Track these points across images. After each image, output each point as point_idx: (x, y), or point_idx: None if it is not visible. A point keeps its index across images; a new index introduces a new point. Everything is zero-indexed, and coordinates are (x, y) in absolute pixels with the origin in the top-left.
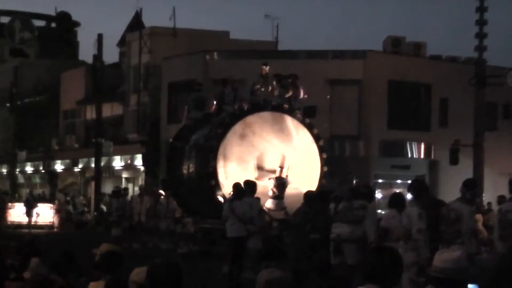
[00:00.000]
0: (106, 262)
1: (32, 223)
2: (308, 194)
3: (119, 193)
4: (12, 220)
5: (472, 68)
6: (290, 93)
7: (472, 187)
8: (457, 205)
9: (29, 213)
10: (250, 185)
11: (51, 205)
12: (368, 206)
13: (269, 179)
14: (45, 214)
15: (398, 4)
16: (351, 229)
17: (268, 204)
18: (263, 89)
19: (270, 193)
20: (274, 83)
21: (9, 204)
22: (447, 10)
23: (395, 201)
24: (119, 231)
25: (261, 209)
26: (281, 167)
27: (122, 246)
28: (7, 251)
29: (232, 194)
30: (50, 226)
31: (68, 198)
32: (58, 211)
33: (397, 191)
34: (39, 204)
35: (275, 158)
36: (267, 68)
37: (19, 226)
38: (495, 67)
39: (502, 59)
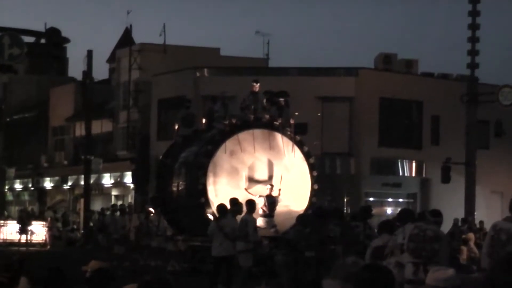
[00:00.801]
0: (96, 279)
1: (30, 240)
2: (303, 215)
3: (124, 210)
4: (4, 238)
5: (464, 85)
6: (280, 121)
7: None
8: (507, 225)
9: (23, 231)
10: (251, 204)
11: (43, 223)
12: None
13: (260, 196)
14: (37, 231)
15: (390, 21)
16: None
17: (259, 222)
18: (253, 106)
19: (260, 211)
20: (265, 101)
21: (1, 221)
22: (439, 27)
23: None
24: (122, 249)
25: (256, 227)
26: (272, 185)
27: (124, 264)
28: None
29: (218, 214)
30: (43, 244)
31: (58, 216)
32: (50, 229)
33: (388, 210)
34: (31, 222)
35: (265, 172)
36: (257, 85)
37: (11, 244)
38: (487, 84)
39: (494, 77)
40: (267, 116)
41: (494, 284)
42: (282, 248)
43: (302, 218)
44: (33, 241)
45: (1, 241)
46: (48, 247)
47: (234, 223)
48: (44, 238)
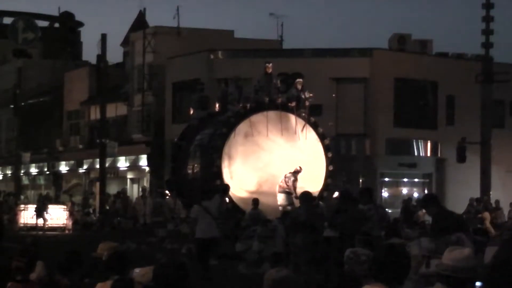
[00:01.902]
0: (113, 262)
1: (45, 225)
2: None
3: (162, 194)
4: (25, 222)
5: (479, 65)
6: (294, 103)
7: None
8: None
9: (40, 215)
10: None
11: (64, 207)
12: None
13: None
14: (57, 216)
15: (404, 1)
16: None
17: (278, 198)
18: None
19: (277, 188)
20: (279, 82)
21: (22, 206)
22: (453, 7)
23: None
24: (164, 232)
25: (220, 206)
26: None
27: (165, 247)
28: (13, 254)
29: (202, 195)
30: (63, 228)
31: (74, 199)
32: (71, 213)
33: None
34: (50, 206)
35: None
36: (270, 66)
37: (32, 228)
38: (502, 64)
39: (509, 56)
40: (281, 98)
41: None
42: (299, 229)
43: (306, 196)
44: (54, 225)
45: (22, 225)
46: (68, 231)
47: (218, 206)
48: (64, 222)
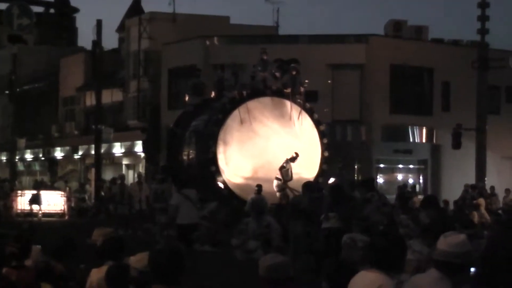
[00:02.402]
0: (108, 248)
1: (41, 211)
2: (309, 183)
3: (163, 179)
4: (22, 208)
5: (475, 51)
6: (290, 89)
7: None
8: None
9: (34, 201)
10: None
11: (62, 193)
12: None
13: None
14: (55, 202)
15: None
16: None
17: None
18: (263, 74)
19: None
20: (274, 69)
21: (19, 192)
22: None
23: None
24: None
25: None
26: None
27: (136, 233)
28: (7, 239)
29: (180, 184)
30: (61, 214)
31: (70, 185)
32: (68, 199)
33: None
34: (47, 192)
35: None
36: (266, 52)
37: (29, 214)
38: (497, 50)
39: (504, 42)
40: (277, 84)
41: (499, 245)
42: (299, 217)
43: (309, 186)
44: (51, 211)
45: (19, 211)
46: (66, 217)
47: (197, 194)
48: (62, 208)
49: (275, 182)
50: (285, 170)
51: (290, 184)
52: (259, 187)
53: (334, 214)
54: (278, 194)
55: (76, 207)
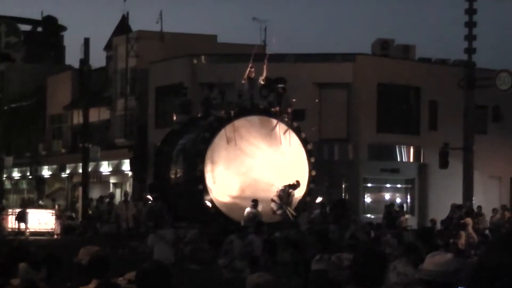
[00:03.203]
0: (94, 266)
1: (28, 229)
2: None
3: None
4: (12, 227)
5: (462, 70)
6: (277, 108)
7: None
8: None
9: (21, 219)
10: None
11: (52, 212)
12: None
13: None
14: (46, 220)
15: (387, 6)
16: None
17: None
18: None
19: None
20: (260, 88)
21: (10, 210)
22: (436, 12)
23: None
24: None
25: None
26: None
27: (123, 251)
28: None
29: (155, 226)
30: (51, 233)
31: (56, 204)
32: (58, 217)
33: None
34: (39, 210)
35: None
36: (253, 70)
37: (21, 233)
38: (484, 69)
39: (491, 62)
40: (264, 103)
41: (487, 265)
42: (287, 248)
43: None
44: (42, 230)
45: (10, 230)
46: (56, 236)
47: (173, 234)
48: (53, 227)
49: (272, 204)
50: (285, 194)
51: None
52: (255, 202)
53: (327, 256)
54: (278, 212)
55: (65, 225)
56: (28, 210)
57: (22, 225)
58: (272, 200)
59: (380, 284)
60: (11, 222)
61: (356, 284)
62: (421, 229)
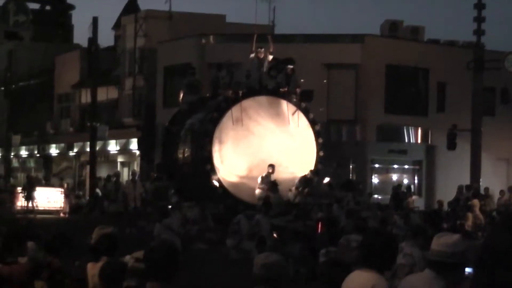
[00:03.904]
0: (102, 245)
1: (36, 207)
2: None
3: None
4: (21, 205)
5: (470, 52)
6: (286, 88)
7: None
8: None
9: (28, 197)
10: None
11: (61, 190)
12: None
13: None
14: (55, 199)
15: None
16: None
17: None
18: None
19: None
20: (269, 68)
21: (19, 188)
22: None
23: None
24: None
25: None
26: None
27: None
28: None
29: (160, 215)
30: (60, 212)
31: (64, 182)
32: (67, 196)
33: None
34: (48, 189)
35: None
36: (262, 51)
37: (30, 211)
38: (493, 51)
39: (500, 44)
40: (273, 83)
41: (493, 246)
42: (296, 241)
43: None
44: (51, 208)
45: (19, 208)
46: (64, 214)
47: (178, 222)
48: (62, 205)
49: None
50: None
51: (285, 183)
52: (275, 185)
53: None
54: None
55: (72, 204)
56: (36, 188)
57: (29, 204)
58: (290, 190)
59: (389, 267)
60: (21, 201)
61: (365, 266)
62: (429, 212)
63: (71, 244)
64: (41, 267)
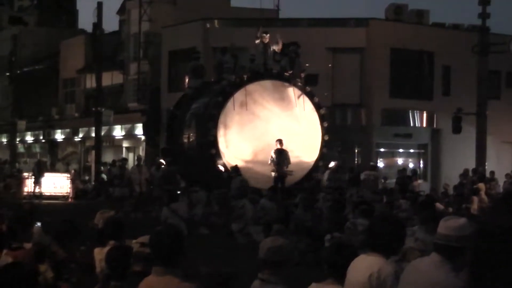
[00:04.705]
0: (109, 229)
1: (42, 193)
2: None
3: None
4: (28, 190)
5: (475, 35)
6: (290, 72)
7: None
8: None
9: (37, 182)
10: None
11: (67, 175)
12: None
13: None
14: (61, 184)
15: None
16: None
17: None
18: (263, 57)
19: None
20: (274, 53)
21: (26, 174)
22: None
23: None
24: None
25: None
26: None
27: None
28: (7, 220)
29: (169, 199)
30: (66, 197)
31: (71, 167)
32: (73, 182)
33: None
34: (55, 174)
35: (277, 130)
36: (267, 36)
37: (36, 196)
38: (498, 34)
39: (505, 27)
40: (277, 67)
41: (487, 229)
42: (301, 235)
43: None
44: (57, 194)
45: (25, 193)
46: (71, 200)
47: (185, 207)
48: (68, 191)
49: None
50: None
51: (290, 167)
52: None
53: (338, 234)
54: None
55: (78, 189)
56: (44, 174)
57: (37, 189)
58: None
59: (395, 251)
60: (27, 186)
61: (371, 250)
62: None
63: (78, 231)
64: (47, 253)
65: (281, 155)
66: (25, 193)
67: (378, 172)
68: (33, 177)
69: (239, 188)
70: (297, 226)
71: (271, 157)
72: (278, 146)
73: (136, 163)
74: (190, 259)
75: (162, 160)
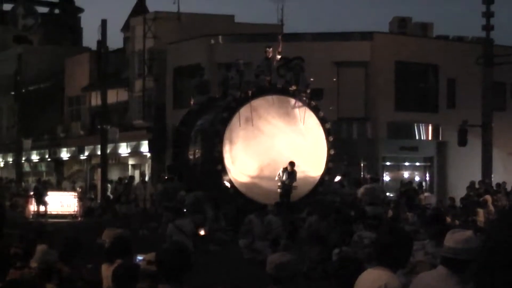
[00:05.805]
0: (116, 247)
1: (48, 211)
2: None
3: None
4: (34, 210)
5: (480, 47)
6: (295, 87)
7: None
8: None
9: (40, 202)
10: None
11: (74, 194)
12: None
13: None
14: (68, 203)
15: None
16: None
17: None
18: (267, 72)
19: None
20: (277, 67)
21: (32, 193)
22: None
23: None
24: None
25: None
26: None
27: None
28: (11, 240)
29: (173, 215)
30: (74, 216)
31: (75, 186)
32: (80, 200)
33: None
34: (62, 193)
35: (284, 146)
36: (270, 50)
37: (40, 215)
38: (502, 46)
39: (510, 38)
40: (282, 82)
41: (493, 242)
42: (314, 244)
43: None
44: (64, 213)
45: (33, 212)
46: (79, 218)
47: (191, 223)
48: (76, 210)
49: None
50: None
51: (296, 182)
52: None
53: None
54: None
55: (85, 207)
56: (49, 193)
57: (42, 208)
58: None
59: (402, 264)
60: (33, 205)
61: (378, 264)
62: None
63: (82, 248)
64: (52, 271)
65: (290, 176)
66: (32, 212)
67: (379, 184)
68: (36, 195)
69: (192, 204)
70: (311, 234)
71: (279, 175)
72: (289, 169)
73: (141, 179)
74: (200, 275)
75: (167, 177)
